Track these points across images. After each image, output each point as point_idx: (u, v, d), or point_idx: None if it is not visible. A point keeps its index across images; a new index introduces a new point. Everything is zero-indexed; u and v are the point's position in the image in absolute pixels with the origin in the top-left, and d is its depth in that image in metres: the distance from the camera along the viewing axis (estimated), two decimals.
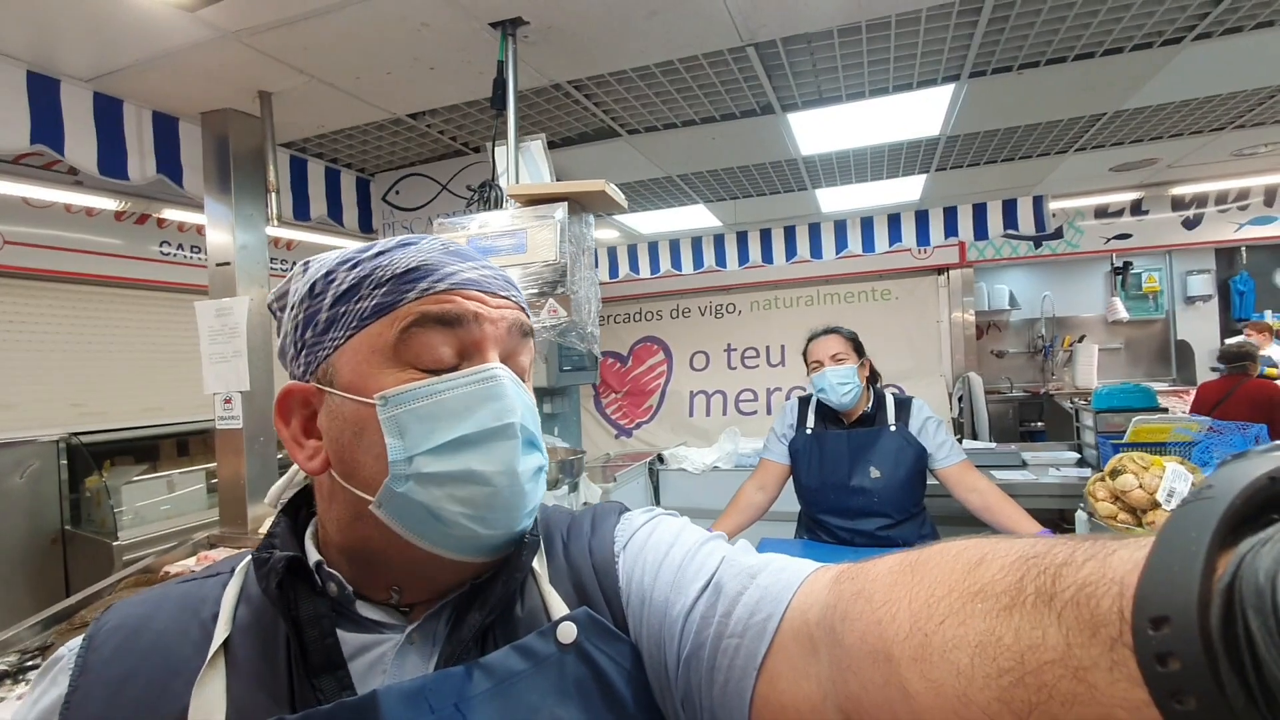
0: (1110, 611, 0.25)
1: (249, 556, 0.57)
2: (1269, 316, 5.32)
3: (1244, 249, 5.50)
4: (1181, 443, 1.92)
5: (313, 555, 0.54)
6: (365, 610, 0.52)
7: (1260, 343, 5.06)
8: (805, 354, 2.09)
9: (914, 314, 5.08)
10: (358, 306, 0.51)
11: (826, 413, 2.09)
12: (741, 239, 4.55)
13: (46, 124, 1.83)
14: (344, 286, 0.52)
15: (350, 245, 0.57)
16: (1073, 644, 0.26)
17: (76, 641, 0.53)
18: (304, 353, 0.53)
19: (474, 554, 0.52)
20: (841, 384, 1.97)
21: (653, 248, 4.75)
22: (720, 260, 4.61)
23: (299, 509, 0.60)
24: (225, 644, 0.50)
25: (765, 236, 4.49)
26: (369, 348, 0.51)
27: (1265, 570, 0.21)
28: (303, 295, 0.54)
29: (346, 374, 0.51)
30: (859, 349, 2.04)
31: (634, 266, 4.81)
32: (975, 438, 4.41)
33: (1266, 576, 0.21)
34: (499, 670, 0.48)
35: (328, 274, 0.53)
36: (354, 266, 0.53)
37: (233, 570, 0.56)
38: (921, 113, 2.60)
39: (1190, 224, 5.33)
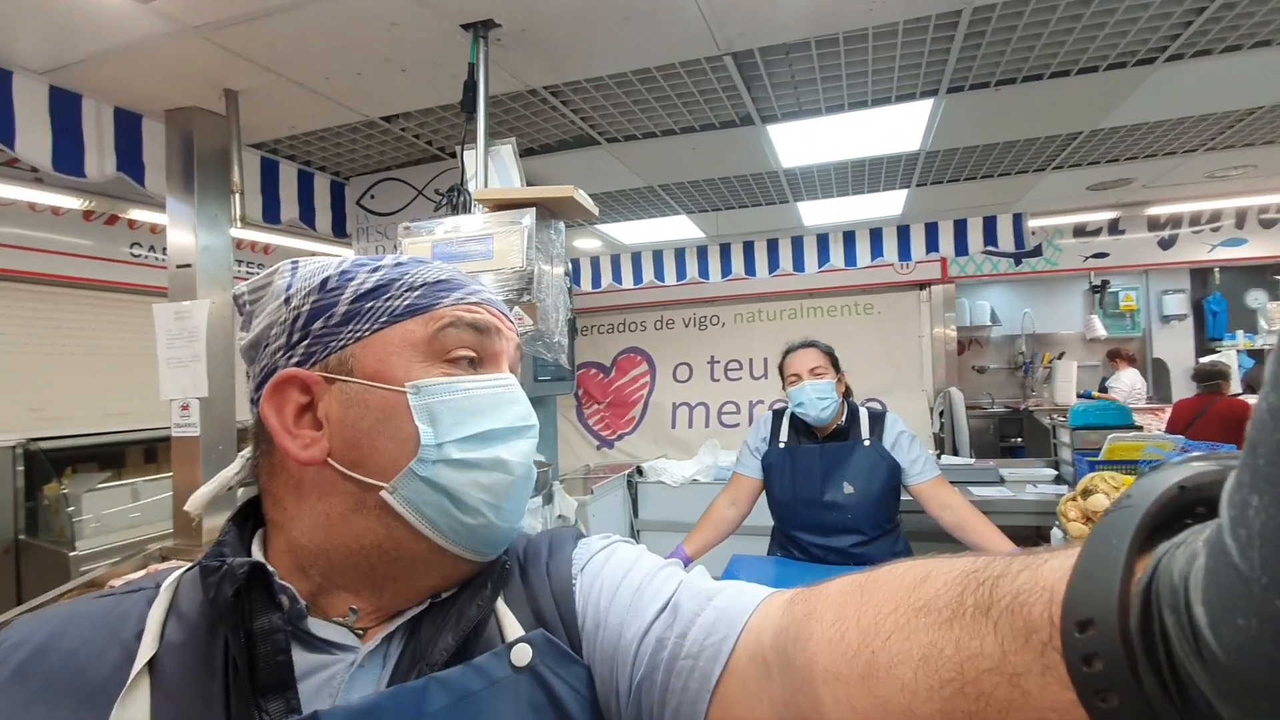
0: (1041, 618, 0.27)
1: (176, 572, 0.54)
2: (1240, 337, 5.41)
3: (1217, 270, 5.60)
4: (1154, 461, 1.91)
5: None
6: (317, 628, 0.50)
7: (1117, 367, 5.44)
8: (781, 367, 2.07)
9: (896, 329, 5.10)
10: (387, 304, 0.54)
11: (800, 426, 2.06)
12: (724, 251, 4.54)
13: None
14: (368, 286, 0.54)
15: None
16: (1008, 651, 0.27)
17: None
18: (305, 342, 0.53)
19: (477, 546, 0.54)
20: (820, 398, 1.94)
21: (635, 258, 4.73)
22: (703, 272, 4.60)
23: (245, 519, 0.57)
24: (150, 664, 0.46)
25: (748, 249, 4.49)
26: (401, 342, 0.53)
27: (1178, 571, 0.22)
28: (311, 289, 0.54)
29: (372, 364, 0.52)
30: (835, 363, 2.02)
31: (617, 277, 4.78)
32: (956, 453, 4.42)
33: (1180, 577, 0.22)
34: (457, 687, 0.47)
35: (344, 273, 0.55)
36: (374, 270, 0.56)
37: (158, 586, 0.53)
38: (901, 127, 2.61)
39: (1165, 244, 5.43)
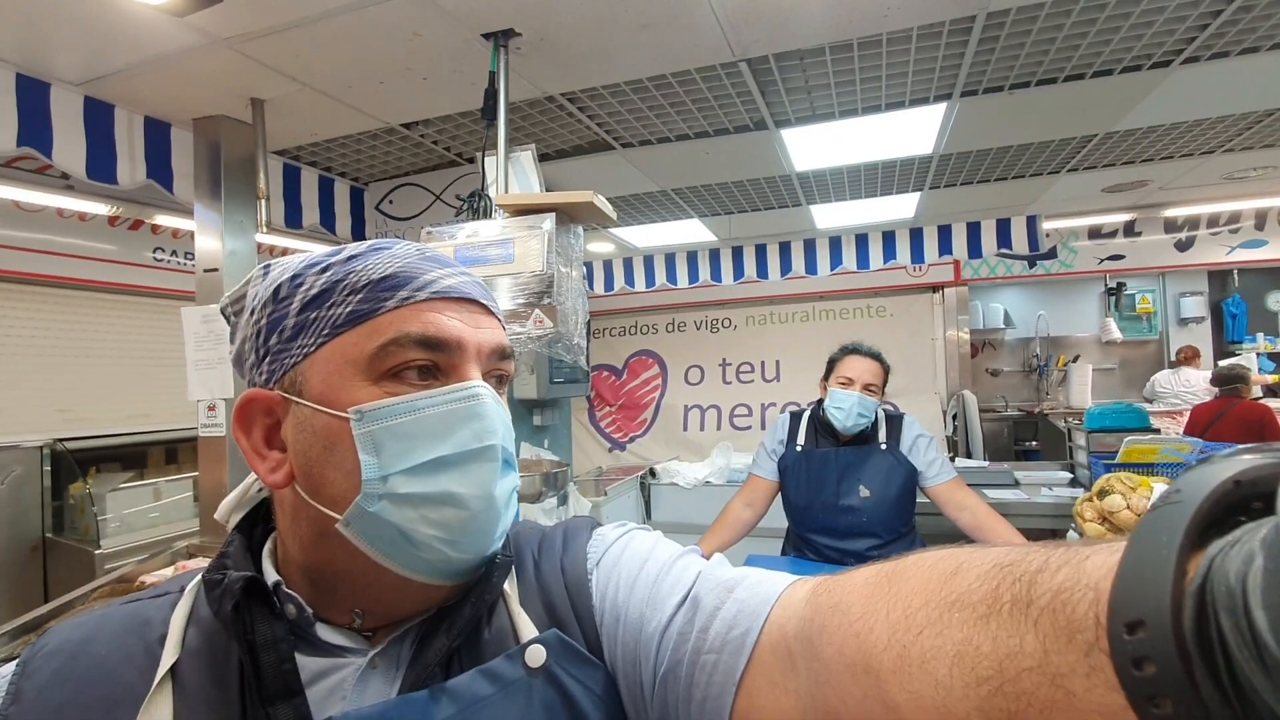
0: (1086, 617, 0.25)
1: (199, 575, 0.55)
2: (1261, 340, 5.34)
3: (1236, 272, 5.54)
4: (1170, 463, 1.90)
5: (271, 575, 0.52)
6: (325, 633, 0.50)
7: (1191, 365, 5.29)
8: (834, 361, 2.03)
9: (909, 331, 5.08)
10: (330, 313, 0.49)
11: (822, 428, 2.06)
12: (737, 254, 4.55)
13: (34, 127, 1.82)
14: (314, 291, 0.50)
15: (317, 249, 0.55)
16: (1050, 650, 0.26)
17: (9, 667, 0.50)
18: (267, 360, 0.51)
19: (443, 577, 0.51)
20: (861, 415, 1.93)
21: (648, 261, 4.76)
22: (716, 275, 4.62)
23: (254, 525, 0.57)
24: (173, 669, 0.48)
25: (760, 252, 4.50)
26: (342, 358, 0.48)
27: (1235, 572, 0.21)
28: (266, 299, 0.51)
29: (317, 384, 0.49)
30: (885, 382, 2.01)
31: (629, 280, 4.81)
32: (969, 456, 4.40)
33: (1237, 578, 0.21)
34: (464, 695, 0.47)
35: (294, 278, 0.51)
36: (324, 270, 0.50)
37: (182, 590, 0.54)
38: (914, 131, 2.61)
39: (1182, 246, 5.37)
